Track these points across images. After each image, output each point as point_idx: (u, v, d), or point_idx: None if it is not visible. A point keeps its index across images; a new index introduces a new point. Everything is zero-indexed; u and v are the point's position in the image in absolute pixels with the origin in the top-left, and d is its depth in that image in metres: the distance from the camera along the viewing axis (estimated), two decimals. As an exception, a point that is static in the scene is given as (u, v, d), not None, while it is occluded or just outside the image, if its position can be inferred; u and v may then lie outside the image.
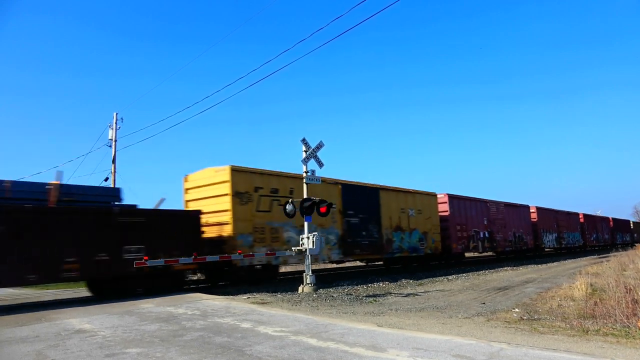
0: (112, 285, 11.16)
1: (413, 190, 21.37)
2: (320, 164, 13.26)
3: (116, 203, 12.49)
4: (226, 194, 13.52)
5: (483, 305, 9.74)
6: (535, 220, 32.19)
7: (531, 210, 32.21)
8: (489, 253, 29.00)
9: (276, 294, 11.61)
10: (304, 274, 12.50)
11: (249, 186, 13.97)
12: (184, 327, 6.81)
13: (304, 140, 12.97)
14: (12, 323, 7.48)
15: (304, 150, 12.97)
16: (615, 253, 27.59)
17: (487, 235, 26.01)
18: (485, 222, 26.11)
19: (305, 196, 12.79)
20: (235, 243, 13.20)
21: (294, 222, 14.50)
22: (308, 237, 12.43)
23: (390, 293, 12.29)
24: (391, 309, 9.10)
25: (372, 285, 14.02)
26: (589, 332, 6.50)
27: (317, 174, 13.28)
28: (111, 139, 25.58)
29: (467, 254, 27.18)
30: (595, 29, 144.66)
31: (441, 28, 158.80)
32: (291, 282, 14.54)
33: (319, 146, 13.24)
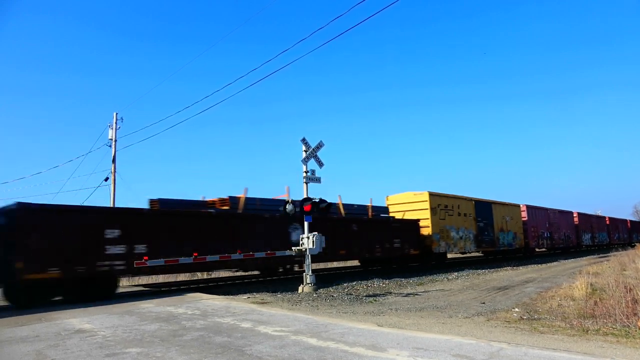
0: (378, 264, 21.10)
1: (507, 202, 29.15)
2: (320, 164, 13.26)
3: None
4: (426, 209, 21.59)
5: (483, 305, 9.74)
6: (577, 223, 39.03)
7: (574, 215, 39.02)
8: (543, 249, 34.99)
9: (276, 293, 11.61)
10: (304, 273, 12.50)
11: (435, 204, 21.96)
12: (184, 327, 6.81)
13: (304, 140, 12.97)
14: (12, 323, 7.48)
15: (304, 150, 12.97)
16: (615, 253, 27.58)
17: (548, 235, 33.30)
18: (547, 225, 33.27)
19: (305, 195, 12.79)
20: (432, 239, 21.19)
21: (456, 224, 23.14)
22: (308, 237, 12.43)
23: (391, 293, 12.29)
24: (391, 309, 9.10)
25: (372, 285, 14.02)
26: (589, 331, 6.50)
27: (317, 174, 13.29)
28: (111, 139, 25.57)
29: (537, 250, 33.71)
30: (594, 29, 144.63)
31: (441, 28, 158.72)
32: (291, 282, 14.54)
33: (319, 146, 13.24)
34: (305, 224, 12.63)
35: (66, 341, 5.94)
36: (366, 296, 11.53)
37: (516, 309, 8.94)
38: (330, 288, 13.06)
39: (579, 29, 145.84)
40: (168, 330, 6.52)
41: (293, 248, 12.97)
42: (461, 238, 23.34)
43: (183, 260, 11.71)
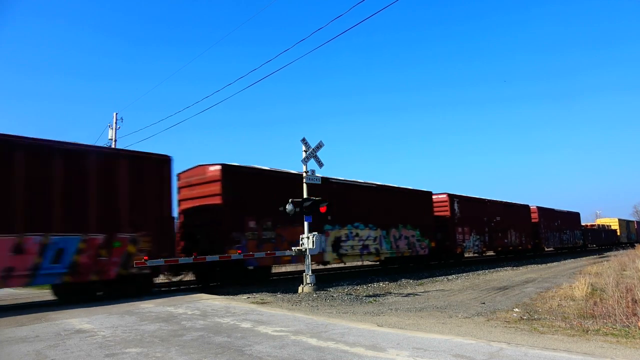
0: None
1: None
2: (320, 164, 13.25)
3: None
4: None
5: (483, 305, 9.73)
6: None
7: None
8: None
9: (276, 293, 11.60)
10: (304, 273, 12.49)
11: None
12: (184, 327, 6.80)
13: (304, 140, 12.96)
14: (12, 323, 7.48)
15: (304, 150, 12.96)
16: (616, 253, 27.57)
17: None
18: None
19: (305, 195, 12.78)
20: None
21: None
22: (308, 237, 12.42)
23: (390, 293, 12.28)
24: (391, 309, 9.10)
25: (372, 285, 14.01)
26: (589, 332, 6.50)
27: (317, 174, 13.28)
28: (111, 139, 25.60)
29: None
30: (595, 32, 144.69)
31: (441, 31, 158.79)
32: (291, 282, 14.54)
33: (319, 146, 13.23)
34: (305, 224, 12.62)
35: (66, 341, 5.93)
36: (366, 296, 11.52)
37: (516, 309, 8.94)
38: (330, 288, 13.06)
39: (580, 32, 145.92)
40: (168, 331, 6.52)
41: (293, 248, 12.96)
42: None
43: (183, 260, 11.70)
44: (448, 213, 22.92)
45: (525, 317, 7.92)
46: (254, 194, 14.07)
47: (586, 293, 10.24)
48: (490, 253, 29.66)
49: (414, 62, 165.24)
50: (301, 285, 12.37)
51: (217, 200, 13.40)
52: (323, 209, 12.47)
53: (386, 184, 20.08)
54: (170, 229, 11.78)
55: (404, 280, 15.50)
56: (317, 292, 11.95)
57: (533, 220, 32.24)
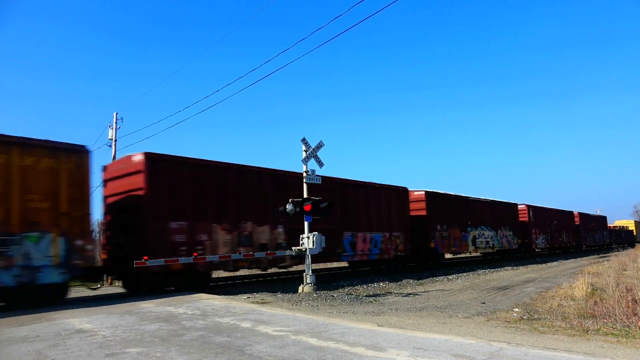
0: None
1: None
2: (320, 164, 13.25)
3: None
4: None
5: (483, 304, 9.73)
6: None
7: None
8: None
9: (276, 293, 11.60)
10: (304, 273, 12.49)
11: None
12: (184, 326, 6.80)
13: (304, 140, 12.96)
14: (12, 323, 7.48)
15: (304, 150, 12.96)
16: (616, 253, 27.56)
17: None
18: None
19: (305, 195, 12.78)
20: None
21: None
22: (308, 237, 12.42)
23: (391, 293, 12.28)
24: (391, 309, 9.09)
25: (372, 285, 14.01)
26: (589, 331, 6.50)
27: (317, 174, 13.28)
28: (111, 139, 25.60)
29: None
30: (594, 32, 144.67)
31: (442, 31, 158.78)
32: (291, 282, 14.53)
33: (319, 146, 13.24)
34: (305, 223, 12.62)
35: (66, 341, 5.93)
36: (366, 296, 11.52)
37: (516, 309, 8.94)
38: (330, 288, 13.05)
39: (580, 32, 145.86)
40: (168, 330, 6.52)
41: (293, 248, 12.96)
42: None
43: (183, 260, 11.69)
44: (527, 219, 31.71)
45: (525, 317, 7.92)
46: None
47: (586, 293, 10.24)
48: (552, 250, 36.40)
49: (414, 62, 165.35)
50: (301, 285, 12.37)
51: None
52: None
53: (493, 199, 28.11)
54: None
55: (404, 280, 15.50)
56: (318, 292, 11.95)
57: (576, 223, 40.77)
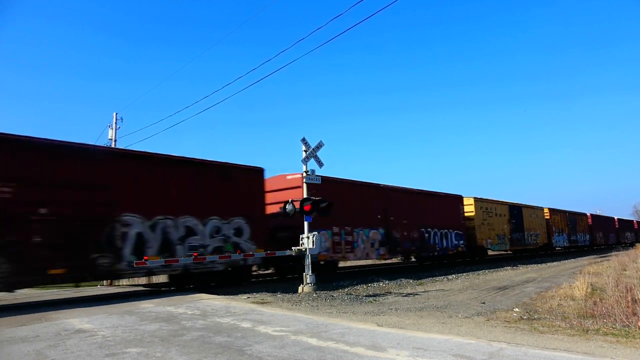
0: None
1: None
2: (320, 164, 13.25)
3: None
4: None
5: (483, 304, 9.73)
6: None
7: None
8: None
9: (276, 293, 11.60)
10: (304, 273, 12.49)
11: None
12: (184, 326, 6.80)
13: (304, 140, 12.96)
14: (12, 323, 7.48)
15: (304, 150, 12.96)
16: (616, 252, 27.56)
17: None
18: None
19: (305, 195, 12.78)
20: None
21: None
22: (308, 237, 12.42)
23: (390, 293, 12.28)
24: (391, 309, 9.09)
25: (372, 285, 14.01)
26: (589, 331, 6.50)
27: (317, 174, 13.28)
28: (111, 139, 25.59)
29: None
30: (594, 32, 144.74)
31: (441, 31, 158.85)
32: (291, 282, 14.53)
33: (319, 146, 13.23)
34: (305, 223, 12.63)
35: (66, 341, 5.93)
36: (366, 296, 11.52)
37: (516, 309, 8.94)
38: (330, 288, 13.05)
39: (580, 32, 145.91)
40: (168, 330, 6.52)
41: (293, 248, 12.97)
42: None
43: (183, 260, 11.70)
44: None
45: (525, 317, 7.92)
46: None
47: (586, 293, 10.23)
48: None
49: (414, 62, 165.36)
50: (301, 285, 12.37)
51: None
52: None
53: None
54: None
55: (404, 280, 15.50)
56: (317, 292, 11.95)
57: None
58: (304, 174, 12.98)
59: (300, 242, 12.61)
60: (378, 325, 6.78)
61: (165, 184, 12.01)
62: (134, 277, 14.23)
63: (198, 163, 12.91)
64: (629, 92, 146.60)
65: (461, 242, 24.08)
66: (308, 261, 12.49)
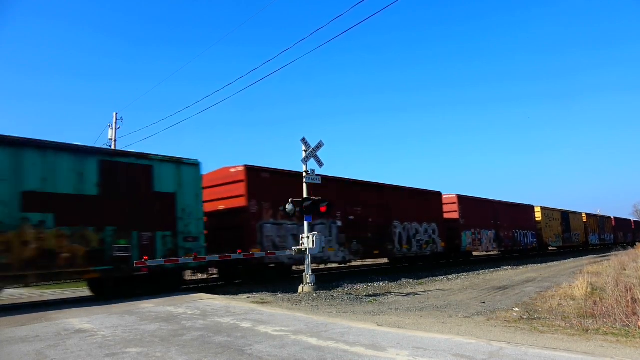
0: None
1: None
2: (320, 164, 13.25)
3: None
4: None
5: (483, 304, 9.73)
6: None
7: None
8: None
9: (276, 293, 11.60)
10: (304, 273, 12.48)
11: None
12: (184, 326, 6.80)
13: (303, 140, 12.95)
14: (12, 323, 7.48)
15: (304, 150, 12.96)
16: (616, 252, 27.58)
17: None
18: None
19: (305, 195, 12.78)
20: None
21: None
22: (308, 237, 12.42)
23: (390, 292, 12.28)
24: (391, 309, 9.10)
25: (372, 285, 14.01)
26: (589, 331, 6.50)
27: (316, 173, 13.27)
28: (111, 139, 25.62)
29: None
30: (594, 32, 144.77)
31: (441, 31, 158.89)
32: (291, 282, 14.53)
33: (319, 146, 13.23)
34: (305, 223, 12.63)
35: (66, 341, 5.93)
36: (366, 296, 11.52)
37: (516, 309, 8.94)
38: (330, 288, 13.05)
39: (580, 32, 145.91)
40: (168, 330, 6.52)
41: (293, 248, 12.96)
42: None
43: (183, 260, 11.69)
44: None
45: (525, 317, 7.92)
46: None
47: (586, 292, 10.23)
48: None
49: (414, 62, 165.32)
50: (301, 285, 12.36)
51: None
52: (323, 209, 12.44)
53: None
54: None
55: (404, 280, 15.50)
56: (317, 291, 11.95)
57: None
58: (304, 174, 12.98)
59: (300, 242, 12.62)
60: (378, 325, 6.79)
61: (408, 202, 20.83)
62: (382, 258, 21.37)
63: (421, 192, 22.28)
64: (629, 92, 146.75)
65: (534, 240, 32.98)
66: (308, 261, 12.49)
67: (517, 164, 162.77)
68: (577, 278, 12.53)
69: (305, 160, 12.94)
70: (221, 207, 14.71)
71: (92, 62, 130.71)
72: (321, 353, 5.00)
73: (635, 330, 6.43)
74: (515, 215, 30.77)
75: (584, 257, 29.13)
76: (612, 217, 52.16)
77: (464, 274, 17.95)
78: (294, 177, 14.39)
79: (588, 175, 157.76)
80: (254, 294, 11.43)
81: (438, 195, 23.19)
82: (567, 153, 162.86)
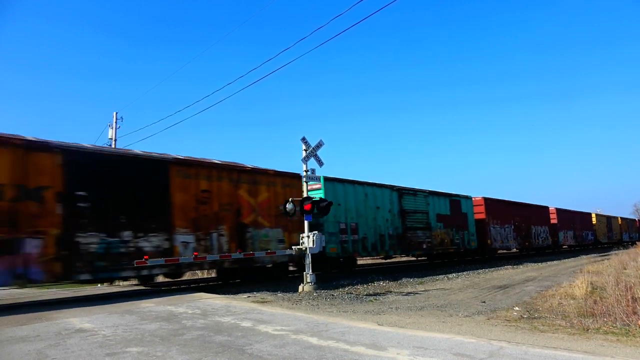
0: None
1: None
2: (320, 163, 13.25)
3: None
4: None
5: (483, 303, 9.73)
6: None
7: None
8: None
9: (276, 293, 11.60)
10: (304, 273, 12.49)
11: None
12: (184, 326, 6.81)
13: (304, 139, 12.95)
14: (13, 322, 7.48)
15: (304, 149, 12.96)
16: (617, 251, 27.57)
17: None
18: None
19: (305, 195, 12.78)
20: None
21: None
22: (308, 236, 12.42)
23: (391, 292, 12.28)
24: (391, 308, 9.10)
25: (372, 284, 14.01)
26: (589, 330, 6.50)
27: (317, 173, 13.27)
28: (111, 138, 25.62)
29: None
30: (594, 32, 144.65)
31: (441, 30, 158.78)
32: (291, 281, 14.53)
33: (319, 145, 13.23)
34: (305, 223, 12.63)
35: (67, 340, 5.94)
36: (366, 295, 11.52)
37: (516, 308, 8.94)
38: (331, 287, 13.05)
39: (580, 32, 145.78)
40: (168, 330, 6.52)
41: (293, 247, 12.97)
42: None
43: (183, 260, 11.70)
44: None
45: (525, 316, 7.92)
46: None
47: (586, 292, 10.23)
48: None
49: (414, 62, 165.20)
50: (301, 285, 12.37)
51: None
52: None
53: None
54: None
55: (404, 279, 15.50)
56: (318, 291, 11.95)
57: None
58: (304, 173, 12.98)
59: (301, 241, 12.62)
60: (378, 324, 6.79)
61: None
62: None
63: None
64: (629, 92, 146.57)
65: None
66: (308, 260, 12.49)
67: (517, 164, 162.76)
68: (577, 277, 12.53)
69: (305, 160, 12.94)
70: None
71: (92, 61, 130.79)
72: (321, 352, 5.00)
73: (636, 329, 6.42)
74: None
75: (584, 257, 29.13)
76: (637, 219, 65.28)
77: (464, 273, 17.95)
78: (525, 207, 32.57)
79: (588, 175, 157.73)
80: (254, 293, 11.44)
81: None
82: (567, 153, 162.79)
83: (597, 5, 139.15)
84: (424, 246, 21.70)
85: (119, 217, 10.64)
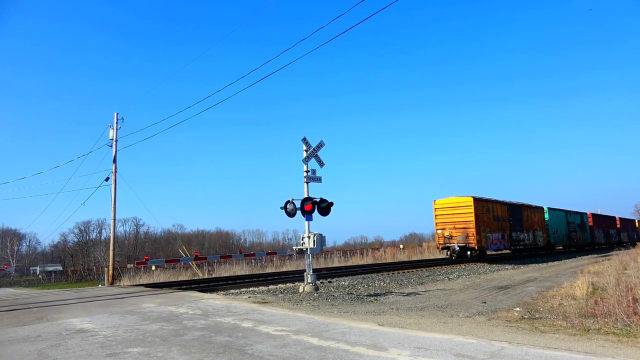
0: None
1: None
2: (321, 163, 13.25)
3: None
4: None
5: (484, 304, 9.73)
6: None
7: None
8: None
9: (277, 293, 11.60)
10: (305, 273, 12.49)
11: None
12: (185, 326, 6.81)
13: (304, 140, 12.96)
14: (14, 323, 7.49)
15: (305, 150, 12.96)
16: (617, 252, 27.55)
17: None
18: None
19: (305, 195, 12.78)
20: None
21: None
22: (309, 237, 12.42)
23: (391, 292, 12.28)
24: (392, 308, 9.09)
25: (373, 285, 14.01)
26: (590, 331, 6.49)
27: (317, 174, 13.27)
28: (112, 139, 25.58)
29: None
30: (594, 32, 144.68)
31: (441, 30, 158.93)
32: (292, 282, 14.53)
33: (320, 145, 13.23)
34: (306, 223, 12.63)
35: (67, 341, 5.94)
36: (367, 295, 11.52)
37: (517, 308, 8.93)
38: (331, 287, 13.05)
39: (579, 32, 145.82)
40: (169, 330, 6.53)
41: (294, 247, 12.97)
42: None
43: (184, 260, 11.72)
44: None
45: (526, 317, 7.91)
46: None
47: (587, 292, 10.22)
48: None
49: (414, 61, 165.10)
50: (302, 285, 12.37)
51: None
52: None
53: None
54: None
55: (404, 280, 15.50)
56: (318, 291, 11.95)
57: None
58: (305, 174, 12.98)
59: (302, 241, 12.62)
60: (379, 325, 6.78)
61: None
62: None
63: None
64: (629, 92, 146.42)
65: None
66: (309, 260, 12.50)
67: (517, 163, 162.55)
68: (578, 278, 12.51)
69: (306, 160, 12.94)
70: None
71: (92, 61, 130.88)
72: (322, 353, 5.00)
73: (637, 329, 6.42)
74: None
75: (584, 257, 29.10)
76: (636, 220, 66.26)
77: (464, 273, 17.94)
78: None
79: (588, 175, 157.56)
80: (255, 293, 11.44)
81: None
82: (567, 152, 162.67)
83: (597, 6, 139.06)
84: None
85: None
